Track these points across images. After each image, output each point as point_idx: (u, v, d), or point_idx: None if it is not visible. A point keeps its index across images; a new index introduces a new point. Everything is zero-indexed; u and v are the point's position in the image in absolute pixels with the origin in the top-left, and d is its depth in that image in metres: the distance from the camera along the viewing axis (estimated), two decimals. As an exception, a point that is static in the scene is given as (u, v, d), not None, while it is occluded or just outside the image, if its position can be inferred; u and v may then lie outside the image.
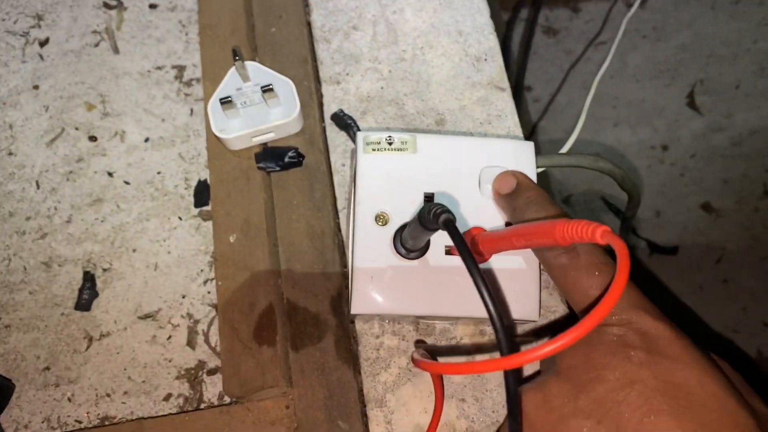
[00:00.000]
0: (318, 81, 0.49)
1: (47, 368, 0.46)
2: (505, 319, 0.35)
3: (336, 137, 0.47)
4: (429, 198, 0.37)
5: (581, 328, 0.24)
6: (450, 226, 0.29)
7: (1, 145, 0.53)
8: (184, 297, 0.47)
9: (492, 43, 0.49)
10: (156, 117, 0.53)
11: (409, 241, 0.36)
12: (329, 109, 0.48)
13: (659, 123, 1.13)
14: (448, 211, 0.30)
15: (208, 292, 0.47)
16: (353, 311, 0.37)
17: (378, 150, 0.37)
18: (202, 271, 0.48)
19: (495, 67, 0.48)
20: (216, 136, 0.44)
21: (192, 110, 0.53)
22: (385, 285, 0.37)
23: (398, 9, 0.50)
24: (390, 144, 0.37)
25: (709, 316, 1.02)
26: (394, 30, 0.49)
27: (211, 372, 0.45)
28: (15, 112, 0.54)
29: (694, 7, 1.19)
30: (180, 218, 0.50)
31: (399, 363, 0.41)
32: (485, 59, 0.48)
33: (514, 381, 0.29)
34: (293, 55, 0.48)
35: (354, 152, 0.41)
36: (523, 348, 0.41)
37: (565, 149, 0.47)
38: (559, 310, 0.42)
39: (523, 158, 0.38)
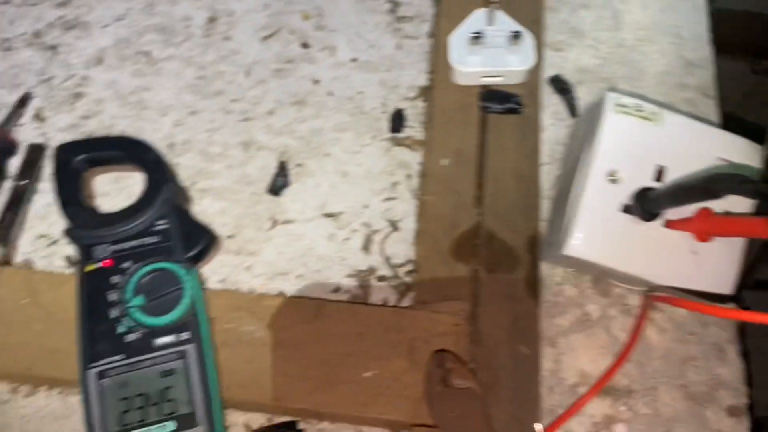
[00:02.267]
0: (540, 44, 0.52)
1: (231, 236, 0.50)
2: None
3: (548, 98, 0.50)
4: (659, 171, 0.40)
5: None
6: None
7: (220, 29, 0.57)
8: (366, 207, 0.51)
9: (706, 52, 0.52)
10: (365, 41, 0.56)
11: (661, 201, 0.38)
12: (546, 71, 0.51)
13: None
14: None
15: (388, 209, 0.50)
16: (566, 252, 0.40)
17: (626, 113, 0.40)
18: (385, 189, 0.51)
19: (706, 75, 0.51)
20: (452, 67, 0.47)
21: (399, 45, 0.56)
22: (604, 237, 0.39)
23: (626, 0, 0.53)
24: (638, 111, 0.40)
25: None
26: (618, 18, 0.53)
27: (381, 279, 0.48)
28: (238, 2, 0.58)
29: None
30: (373, 137, 0.53)
31: (574, 312, 0.44)
32: (698, 66, 0.51)
33: None
34: (525, 15, 0.51)
35: (591, 111, 0.44)
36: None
37: None
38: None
39: (752, 161, 0.40)
